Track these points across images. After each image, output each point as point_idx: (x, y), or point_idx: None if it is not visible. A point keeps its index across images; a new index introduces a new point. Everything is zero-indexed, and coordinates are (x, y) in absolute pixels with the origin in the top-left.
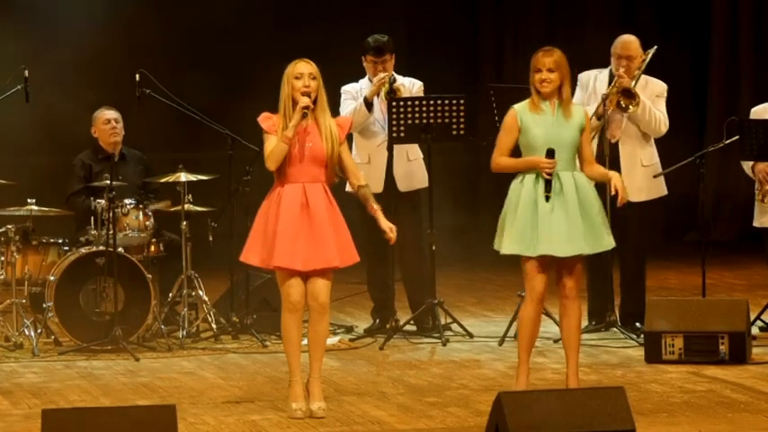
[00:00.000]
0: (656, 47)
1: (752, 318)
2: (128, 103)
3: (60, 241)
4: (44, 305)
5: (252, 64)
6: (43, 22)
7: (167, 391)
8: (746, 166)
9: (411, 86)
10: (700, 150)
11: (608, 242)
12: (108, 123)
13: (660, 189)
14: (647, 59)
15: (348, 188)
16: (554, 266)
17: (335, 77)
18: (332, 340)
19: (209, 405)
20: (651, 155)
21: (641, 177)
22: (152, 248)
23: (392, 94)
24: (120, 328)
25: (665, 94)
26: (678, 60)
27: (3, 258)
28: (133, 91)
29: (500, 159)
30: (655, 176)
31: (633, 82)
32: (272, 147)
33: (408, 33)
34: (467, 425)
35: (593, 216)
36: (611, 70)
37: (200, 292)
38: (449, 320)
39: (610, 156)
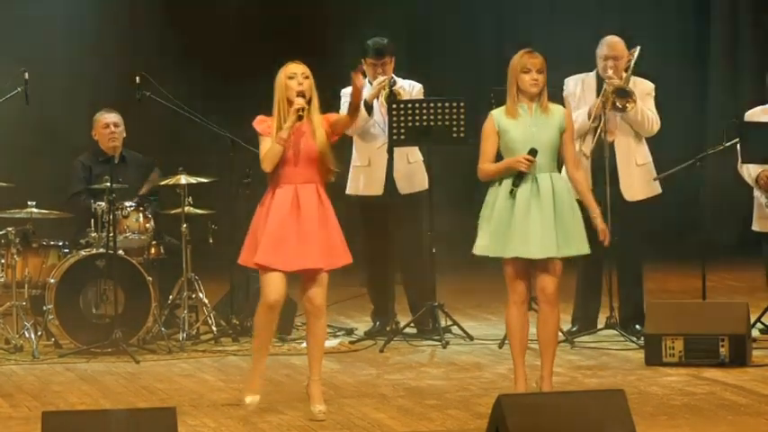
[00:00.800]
0: (639, 47)
1: (752, 320)
2: (128, 105)
3: (60, 244)
4: (44, 307)
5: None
6: (44, 22)
7: (167, 393)
8: (746, 172)
9: (411, 89)
10: (700, 153)
11: (581, 247)
12: (107, 128)
13: (655, 188)
14: (634, 59)
15: (348, 190)
16: (533, 270)
17: (336, 78)
18: (332, 343)
19: (209, 407)
20: (645, 154)
21: (636, 176)
22: (152, 251)
23: (392, 97)
24: (121, 330)
25: (654, 93)
26: (678, 61)
27: (3, 261)
28: (133, 93)
29: (484, 166)
30: (655, 179)
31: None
32: (268, 148)
33: (408, 35)
34: (467, 427)
35: (567, 220)
36: (597, 73)
37: (201, 295)
38: (449, 323)
39: (602, 157)
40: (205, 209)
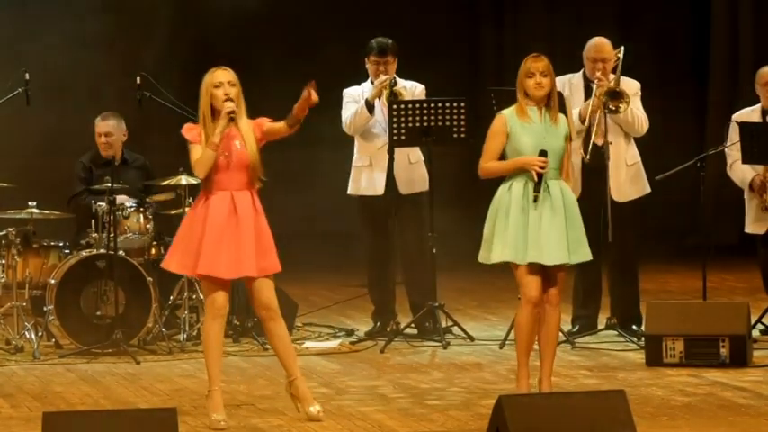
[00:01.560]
0: (623, 47)
1: (752, 321)
2: (129, 105)
3: (61, 244)
4: (45, 308)
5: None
6: (45, 22)
7: (168, 394)
8: (739, 175)
9: (413, 90)
10: (700, 153)
11: (587, 253)
12: (100, 137)
13: (644, 187)
14: (621, 59)
15: (349, 191)
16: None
17: (336, 79)
18: (332, 343)
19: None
20: (634, 154)
21: (625, 177)
22: (152, 251)
23: (393, 98)
24: (121, 330)
25: (640, 93)
26: (678, 62)
27: (4, 261)
28: (134, 94)
29: (488, 164)
30: (657, 178)
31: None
32: (200, 155)
33: (408, 36)
34: (468, 428)
35: (576, 227)
36: (584, 73)
37: (201, 295)
38: (449, 323)
39: (596, 157)
40: None
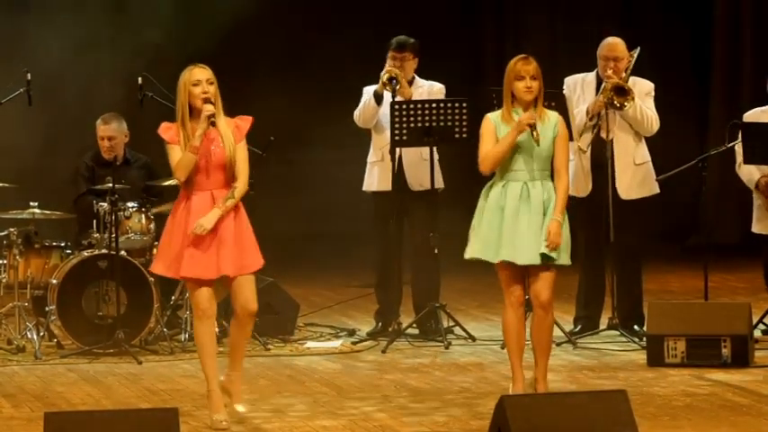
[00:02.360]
0: (639, 48)
1: (754, 321)
2: (131, 105)
3: (63, 244)
4: (46, 308)
5: (255, 66)
6: (47, 23)
7: (169, 394)
8: (746, 175)
9: (430, 88)
10: (702, 153)
11: (564, 258)
12: (102, 141)
13: (653, 187)
14: (633, 60)
15: (364, 186)
16: (526, 274)
17: (336, 80)
18: (334, 344)
19: None
20: (643, 153)
21: (634, 176)
22: (154, 252)
23: (393, 82)
24: (123, 331)
25: (653, 93)
26: (680, 62)
27: (5, 261)
28: (136, 93)
29: (490, 152)
30: (658, 179)
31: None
32: (180, 157)
33: (410, 36)
34: (469, 428)
35: None
36: (597, 72)
37: None
38: (451, 324)
39: (604, 155)
40: None
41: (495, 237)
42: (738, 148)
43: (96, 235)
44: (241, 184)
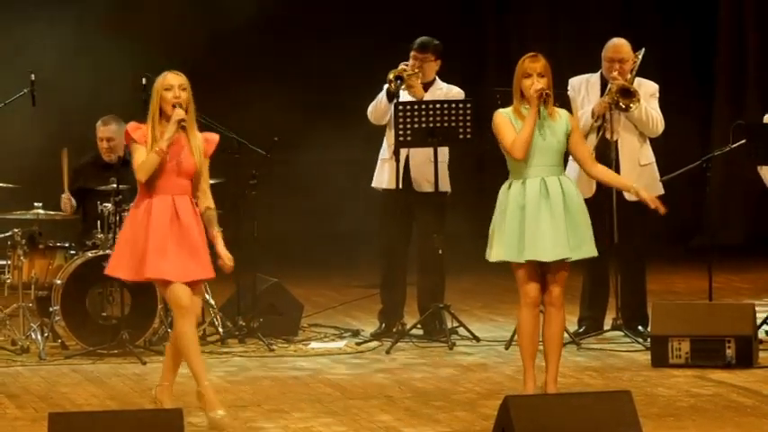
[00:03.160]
0: (644, 49)
1: (758, 321)
2: (133, 106)
3: (67, 245)
4: (51, 309)
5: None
6: (49, 23)
7: (174, 394)
8: (765, 175)
9: (449, 91)
10: (706, 154)
11: (590, 249)
12: (102, 142)
13: (657, 188)
14: (639, 61)
15: (373, 183)
16: (541, 272)
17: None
18: (338, 344)
19: None
20: (648, 154)
21: (639, 176)
22: None
23: (398, 81)
24: (127, 331)
25: (658, 94)
26: (680, 62)
27: (10, 262)
28: (139, 95)
29: (515, 140)
30: (662, 180)
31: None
32: (144, 158)
33: (411, 37)
34: (473, 429)
35: (577, 222)
36: (601, 74)
37: (207, 296)
38: (455, 324)
39: (609, 156)
40: None
41: (519, 237)
42: None
43: (100, 235)
44: (213, 205)
